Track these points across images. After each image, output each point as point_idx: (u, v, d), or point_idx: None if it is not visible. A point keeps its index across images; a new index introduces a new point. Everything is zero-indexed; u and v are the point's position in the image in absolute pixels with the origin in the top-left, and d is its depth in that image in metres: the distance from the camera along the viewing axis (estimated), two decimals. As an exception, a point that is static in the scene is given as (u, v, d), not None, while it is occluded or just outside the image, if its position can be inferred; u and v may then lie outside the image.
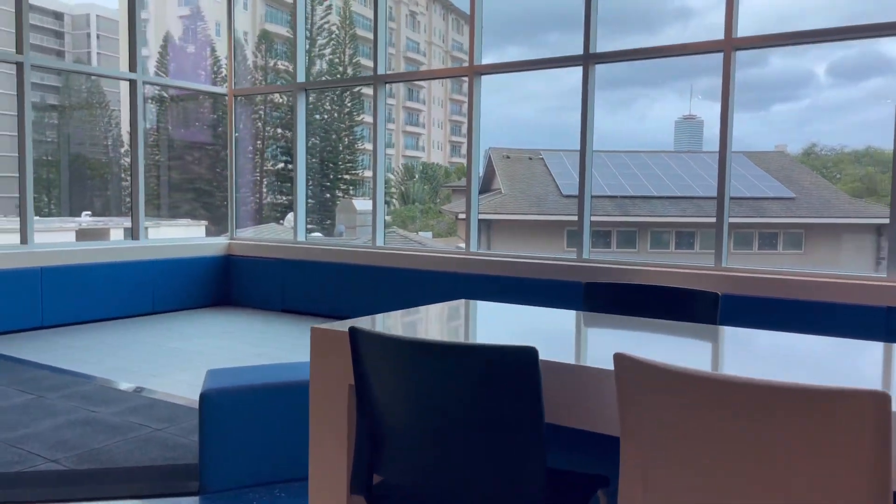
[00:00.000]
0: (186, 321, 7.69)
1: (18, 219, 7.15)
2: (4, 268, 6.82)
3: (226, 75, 9.51)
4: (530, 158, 18.37)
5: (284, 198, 16.86)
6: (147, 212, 12.21)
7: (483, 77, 7.09)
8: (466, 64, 7.14)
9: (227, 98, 9.21)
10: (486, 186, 19.00)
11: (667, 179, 18.90)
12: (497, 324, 2.58)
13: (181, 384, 5.15)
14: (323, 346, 2.15)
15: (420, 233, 16.74)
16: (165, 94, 12.20)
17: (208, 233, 14.13)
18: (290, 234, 8.68)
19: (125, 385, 5.08)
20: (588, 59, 6.35)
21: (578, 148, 6.42)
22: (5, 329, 6.86)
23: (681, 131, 28.07)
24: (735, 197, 18.17)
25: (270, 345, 6.63)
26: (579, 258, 6.44)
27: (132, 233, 8.06)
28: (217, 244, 8.80)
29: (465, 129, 7.14)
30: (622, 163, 19.23)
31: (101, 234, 11.18)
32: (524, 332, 2.46)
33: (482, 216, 17.89)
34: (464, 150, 7.28)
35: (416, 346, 1.68)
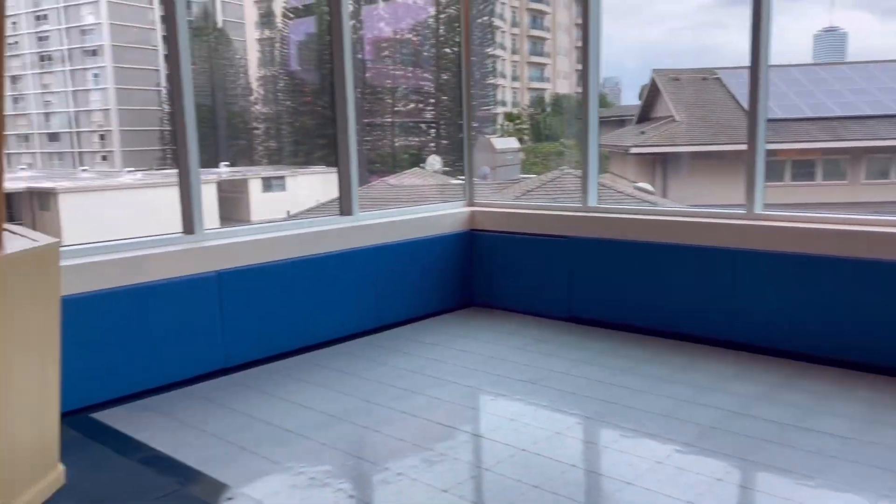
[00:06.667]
0: (439, 347, 4.88)
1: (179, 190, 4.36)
2: (174, 276, 4.09)
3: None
4: (704, 79, 15.00)
5: (416, 139, 14.46)
6: (278, 161, 9.54)
7: None
8: None
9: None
10: (646, 114, 15.87)
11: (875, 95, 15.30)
12: None
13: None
14: None
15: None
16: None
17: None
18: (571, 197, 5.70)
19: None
20: None
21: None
22: (182, 377, 4.17)
23: (821, 44, 24.52)
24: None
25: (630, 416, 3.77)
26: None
27: (340, 206, 5.19)
28: (453, 215, 5.85)
29: None
30: (793, 79, 15.74)
31: (240, 186, 8.76)
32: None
33: (650, 150, 14.69)
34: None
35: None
